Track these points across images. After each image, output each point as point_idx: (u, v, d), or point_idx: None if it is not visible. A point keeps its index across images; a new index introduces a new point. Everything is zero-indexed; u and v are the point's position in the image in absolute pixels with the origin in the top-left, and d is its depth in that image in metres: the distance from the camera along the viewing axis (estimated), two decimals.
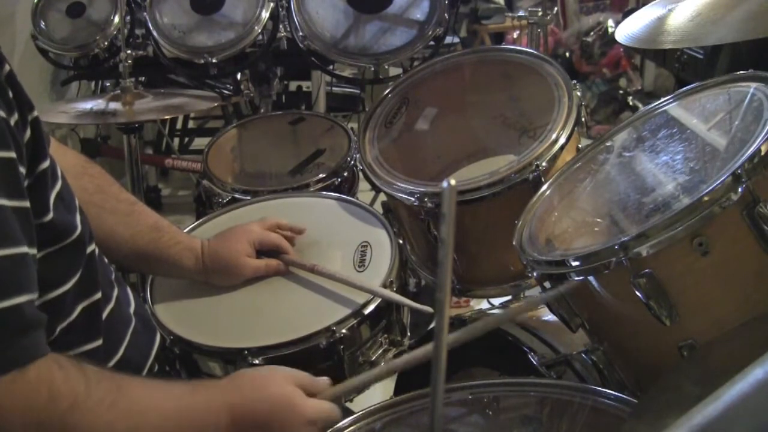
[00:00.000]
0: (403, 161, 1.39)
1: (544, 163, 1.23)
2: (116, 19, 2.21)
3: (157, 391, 0.87)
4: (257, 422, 0.88)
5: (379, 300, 1.14)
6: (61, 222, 0.87)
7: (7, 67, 0.80)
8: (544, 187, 1.17)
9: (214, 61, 2.02)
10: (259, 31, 2.02)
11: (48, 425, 0.77)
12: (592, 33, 4.31)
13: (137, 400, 0.84)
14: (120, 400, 0.81)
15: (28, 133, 0.82)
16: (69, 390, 0.77)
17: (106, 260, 1.04)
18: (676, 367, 0.85)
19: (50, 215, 0.84)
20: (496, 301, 1.56)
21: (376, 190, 1.49)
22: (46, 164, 0.84)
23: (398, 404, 0.98)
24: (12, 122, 0.78)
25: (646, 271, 0.86)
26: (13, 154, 0.77)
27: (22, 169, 0.79)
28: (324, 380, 0.94)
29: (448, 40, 2.07)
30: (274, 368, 0.98)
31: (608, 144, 1.18)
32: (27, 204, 0.79)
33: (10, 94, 0.79)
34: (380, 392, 1.50)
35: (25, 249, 0.77)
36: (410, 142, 1.45)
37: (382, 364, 1.16)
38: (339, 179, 1.68)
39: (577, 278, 0.94)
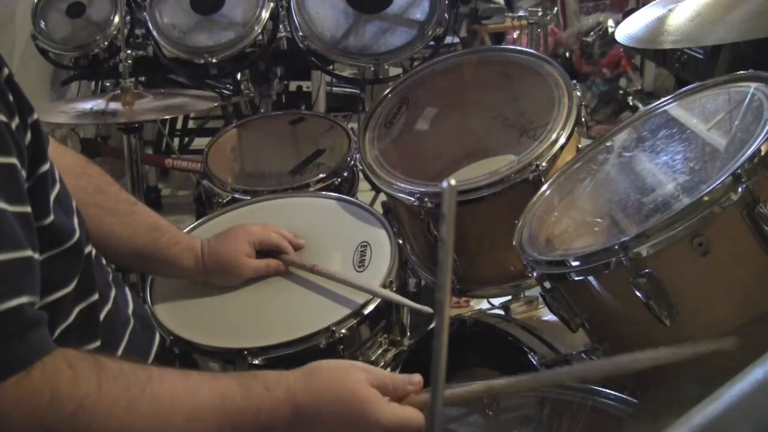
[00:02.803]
0: (403, 161, 1.39)
1: (544, 163, 1.23)
2: (116, 19, 2.21)
3: (200, 388, 0.80)
4: (316, 423, 0.80)
5: (378, 300, 1.14)
6: (61, 225, 0.86)
7: (6, 71, 0.79)
8: (544, 187, 1.18)
9: (214, 61, 2.02)
10: (259, 31, 2.02)
11: (55, 430, 0.73)
12: (592, 33, 4.31)
13: (167, 397, 0.77)
14: (142, 398, 0.75)
15: (29, 136, 0.81)
16: (75, 391, 0.73)
17: (103, 261, 1.03)
18: (676, 367, 0.85)
19: (51, 217, 0.83)
20: (496, 301, 1.56)
21: (376, 190, 1.49)
22: (46, 167, 0.84)
23: None
24: (13, 126, 0.77)
25: (646, 271, 0.86)
26: (14, 160, 0.76)
27: (23, 173, 0.78)
28: (414, 382, 0.83)
29: (448, 40, 2.07)
30: (353, 365, 0.86)
31: (608, 144, 1.18)
32: (28, 209, 0.78)
33: (11, 98, 0.78)
34: None
35: (28, 253, 0.76)
36: (410, 142, 1.45)
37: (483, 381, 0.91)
38: (339, 179, 1.68)
39: (577, 278, 0.94)
